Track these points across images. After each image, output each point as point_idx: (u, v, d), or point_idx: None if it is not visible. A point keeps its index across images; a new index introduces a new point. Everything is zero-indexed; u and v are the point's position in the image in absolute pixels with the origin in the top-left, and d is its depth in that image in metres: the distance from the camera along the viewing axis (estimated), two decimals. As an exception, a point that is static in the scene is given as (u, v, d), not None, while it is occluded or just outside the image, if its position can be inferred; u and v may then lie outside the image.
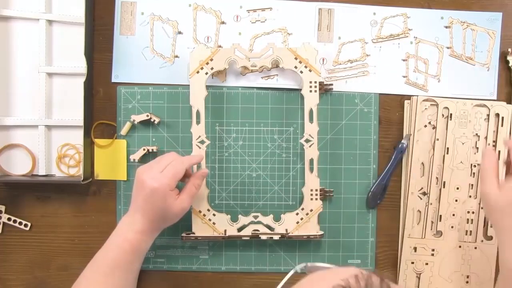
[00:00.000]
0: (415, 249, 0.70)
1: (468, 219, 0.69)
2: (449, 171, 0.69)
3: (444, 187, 0.69)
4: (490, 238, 0.69)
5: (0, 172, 0.72)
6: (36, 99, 0.71)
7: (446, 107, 0.70)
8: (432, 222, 0.70)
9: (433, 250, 0.69)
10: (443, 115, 0.70)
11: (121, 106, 0.72)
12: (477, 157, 0.70)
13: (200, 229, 0.70)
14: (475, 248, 0.69)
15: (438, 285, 0.69)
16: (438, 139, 0.70)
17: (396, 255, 0.72)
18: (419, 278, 0.70)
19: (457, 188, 0.69)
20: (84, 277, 0.62)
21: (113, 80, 0.72)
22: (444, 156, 0.70)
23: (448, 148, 0.70)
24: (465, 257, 0.69)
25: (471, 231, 0.69)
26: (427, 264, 0.70)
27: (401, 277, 0.71)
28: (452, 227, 0.69)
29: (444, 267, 0.69)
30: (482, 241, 0.69)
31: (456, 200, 0.69)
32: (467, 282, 0.69)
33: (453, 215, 0.69)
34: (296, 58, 0.69)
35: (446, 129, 0.70)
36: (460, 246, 0.69)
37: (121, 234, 0.63)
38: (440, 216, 0.69)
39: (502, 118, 0.70)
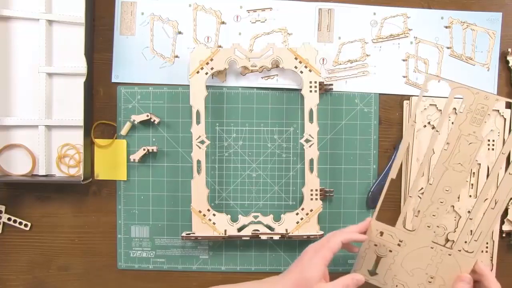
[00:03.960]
0: (381, 233, 0.64)
1: (454, 227, 0.68)
2: (443, 168, 0.63)
3: (431, 183, 0.63)
4: (471, 252, 0.63)
5: (0, 172, 0.72)
6: (36, 99, 0.71)
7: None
8: (414, 216, 0.65)
9: (400, 241, 0.64)
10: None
11: (121, 106, 0.72)
12: (477, 157, 0.69)
13: (200, 229, 0.70)
14: (449, 255, 0.63)
15: (397, 273, 0.65)
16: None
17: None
18: (377, 262, 0.65)
19: (446, 190, 0.63)
20: None
21: (113, 80, 0.72)
22: (440, 153, 0.67)
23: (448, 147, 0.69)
24: (435, 259, 0.64)
25: (448, 240, 0.68)
26: (390, 251, 0.64)
27: (363, 247, 0.65)
28: (428, 226, 0.63)
29: (408, 260, 0.64)
30: (459, 251, 0.63)
31: (442, 202, 0.63)
32: (429, 282, 0.64)
33: (434, 215, 0.63)
34: (296, 58, 0.69)
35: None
36: (432, 248, 0.63)
37: None
38: (418, 211, 0.64)
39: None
